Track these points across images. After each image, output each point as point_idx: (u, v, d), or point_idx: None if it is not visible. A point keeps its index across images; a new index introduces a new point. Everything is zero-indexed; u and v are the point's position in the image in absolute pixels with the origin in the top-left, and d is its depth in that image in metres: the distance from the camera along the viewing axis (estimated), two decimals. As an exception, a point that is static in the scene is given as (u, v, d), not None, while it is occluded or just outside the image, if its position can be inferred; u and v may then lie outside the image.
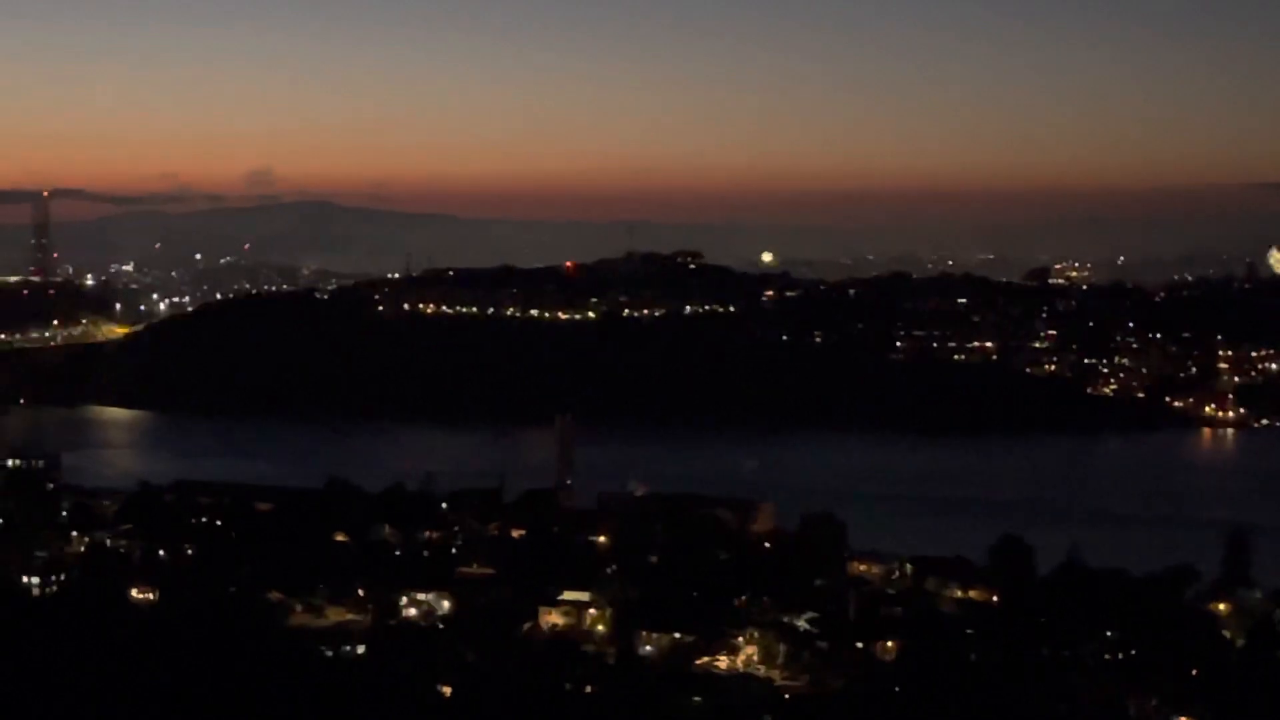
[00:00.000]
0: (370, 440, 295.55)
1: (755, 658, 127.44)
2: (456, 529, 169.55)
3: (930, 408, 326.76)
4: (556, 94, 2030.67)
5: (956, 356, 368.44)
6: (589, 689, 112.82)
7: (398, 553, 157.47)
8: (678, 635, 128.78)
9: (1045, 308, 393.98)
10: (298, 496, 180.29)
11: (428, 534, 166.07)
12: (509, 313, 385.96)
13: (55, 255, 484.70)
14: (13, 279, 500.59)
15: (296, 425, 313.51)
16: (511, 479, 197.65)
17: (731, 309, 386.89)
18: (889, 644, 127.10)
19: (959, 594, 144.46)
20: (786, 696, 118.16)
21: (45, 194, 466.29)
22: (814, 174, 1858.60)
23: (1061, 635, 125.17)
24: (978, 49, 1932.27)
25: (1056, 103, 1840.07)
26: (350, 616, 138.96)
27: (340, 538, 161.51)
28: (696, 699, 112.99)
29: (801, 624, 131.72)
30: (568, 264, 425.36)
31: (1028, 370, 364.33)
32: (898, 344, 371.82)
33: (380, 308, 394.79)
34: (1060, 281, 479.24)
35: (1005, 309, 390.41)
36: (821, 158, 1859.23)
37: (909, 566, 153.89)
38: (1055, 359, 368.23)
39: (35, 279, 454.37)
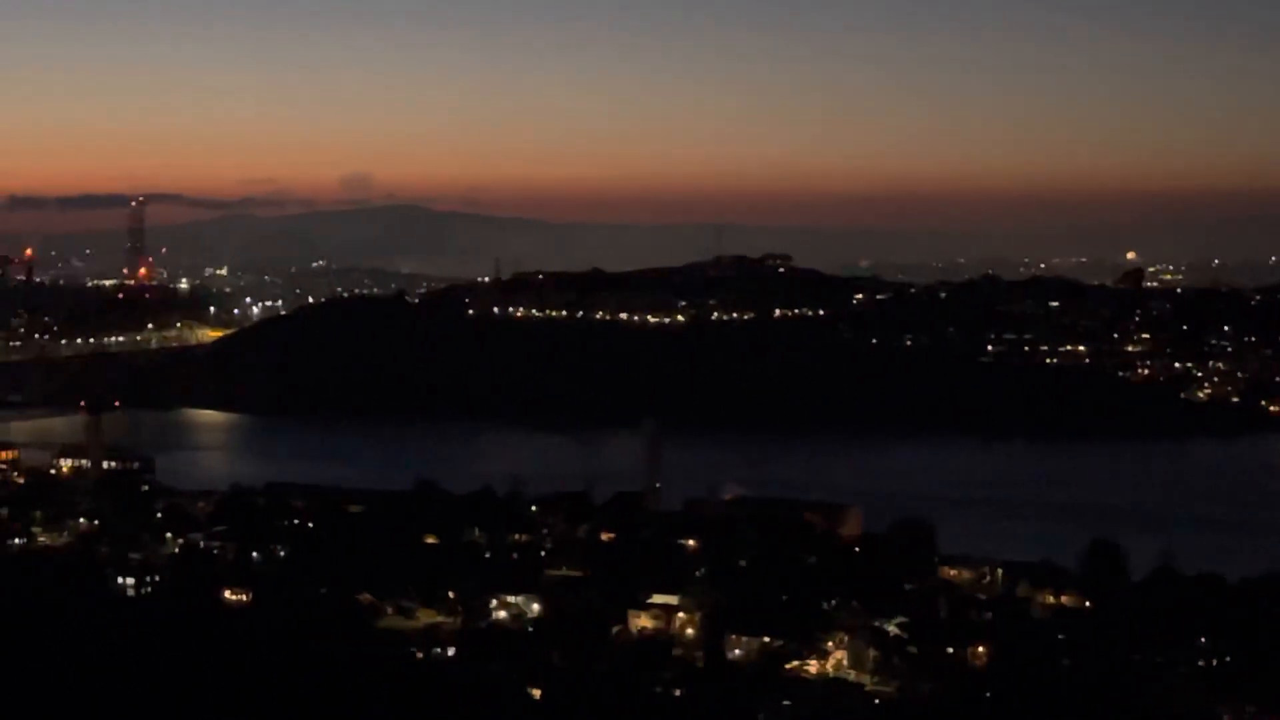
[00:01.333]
0: (459, 443, 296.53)
1: (845, 662, 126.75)
2: (545, 532, 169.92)
3: (1021, 412, 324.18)
4: (648, 99, 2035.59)
5: (1048, 360, 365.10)
6: (678, 692, 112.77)
7: (487, 555, 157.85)
8: (767, 639, 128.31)
9: (1138, 310, 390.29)
10: (388, 499, 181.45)
11: (517, 537, 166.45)
12: (598, 316, 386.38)
13: (150, 260, 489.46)
14: (108, 283, 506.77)
15: (387, 428, 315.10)
16: (600, 482, 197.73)
17: (821, 312, 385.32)
18: (980, 649, 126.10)
19: (1050, 599, 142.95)
20: (876, 701, 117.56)
21: (139, 200, 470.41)
22: (905, 177, 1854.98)
23: (1154, 641, 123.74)
24: (1071, 52, 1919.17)
25: (1153, 105, 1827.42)
26: (440, 619, 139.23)
27: (430, 540, 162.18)
28: (786, 703, 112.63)
29: (891, 629, 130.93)
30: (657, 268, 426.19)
31: (1120, 374, 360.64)
32: (989, 347, 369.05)
33: (470, 311, 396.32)
34: (1154, 284, 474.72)
35: (1098, 312, 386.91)
36: (914, 161, 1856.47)
37: (1000, 571, 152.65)
38: (1149, 362, 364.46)
39: (130, 283, 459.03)
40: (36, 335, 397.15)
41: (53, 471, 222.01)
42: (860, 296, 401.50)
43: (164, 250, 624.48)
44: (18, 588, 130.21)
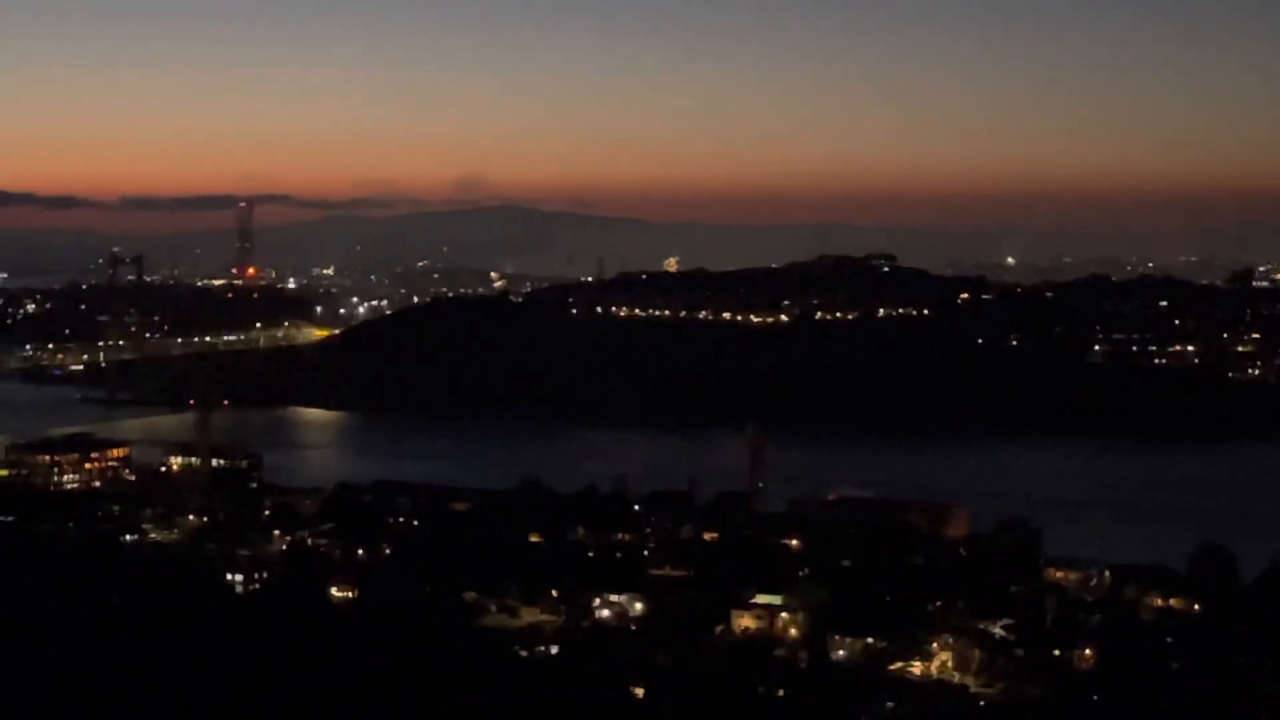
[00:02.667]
0: (564, 442, 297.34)
1: (950, 664, 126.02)
2: (649, 531, 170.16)
3: (1129, 412, 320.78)
4: (755, 100, 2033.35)
5: (1157, 360, 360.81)
6: (781, 693, 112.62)
7: (591, 554, 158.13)
8: (871, 640, 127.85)
9: (1249, 310, 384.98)
10: (493, 497, 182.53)
11: (620, 536, 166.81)
12: (701, 316, 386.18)
13: (258, 260, 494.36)
14: (217, 283, 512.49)
15: (491, 427, 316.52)
16: (703, 482, 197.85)
17: (925, 312, 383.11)
18: (1086, 652, 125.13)
19: (1158, 602, 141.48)
20: (981, 704, 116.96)
21: (248, 201, 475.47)
22: (1013, 176, 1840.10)
23: (1264, 645, 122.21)
24: (1180, 50, 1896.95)
25: (1263, 103, 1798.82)
26: (544, 617, 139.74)
27: (534, 539, 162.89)
28: (890, 704, 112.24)
29: (997, 631, 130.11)
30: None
31: (1230, 375, 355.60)
32: (1096, 347, 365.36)
33: (574, 311, 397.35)
34: (1264, 284, 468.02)
35: (1208, 312, 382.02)
36: (1021, 160, 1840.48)
37: (1107, 573, 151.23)
38: (1260, 363, 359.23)
39: (239, 283, 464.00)
40: (146, 334, 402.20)
41: (163, 469, 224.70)
42: (965, 296, 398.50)
43: (271, 251, 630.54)
44: (130, 584, 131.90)
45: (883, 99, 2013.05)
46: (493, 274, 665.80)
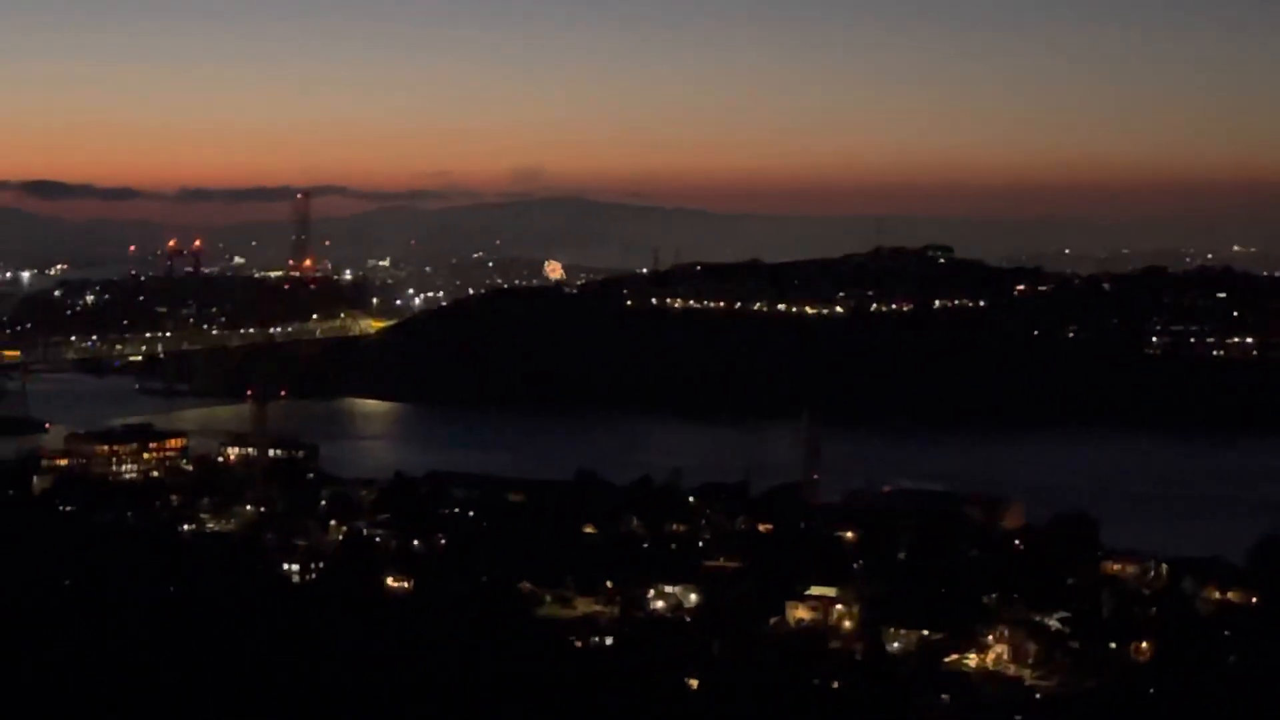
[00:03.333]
0: (618, 434, 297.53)
1: (1005, 656, 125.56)
2: (703, 522, 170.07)
3: (1187, 405, 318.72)
4: (810, 90, 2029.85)
5: (1215, 352, 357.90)
6: (836, 685, 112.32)
7: (645, 545, 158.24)
8: (926, 632, 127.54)
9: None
10: (548, 488, 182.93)
11: (675, 527, 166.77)
12: (756, 307, 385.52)
13: (315, 252, 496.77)
14: (274, 274, 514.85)
15: (546, 418, 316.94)
16: (758, 474, 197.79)
17: (982, 304, 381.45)
18: (1143, 645, 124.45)
19: (1216, 595, 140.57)
20: (1038, 696, 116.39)
21: (304, 192, 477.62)
22: (1070, 167, 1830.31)
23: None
24: (1239, 39, 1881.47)
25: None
26: (598, 608, 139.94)
27: (589, 530, 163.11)
28: (945, 697, 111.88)
29: (1053, 623, 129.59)
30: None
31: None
32: (1153, 339, 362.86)
33: (628, 302, 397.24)
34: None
35: (1267, 304, 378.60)
36: (1078, 151, 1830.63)
37: (1164, 566, 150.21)
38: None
39: (295, 274, 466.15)
40: (204, 325, 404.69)
41: (220, 459, 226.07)
42: (1022, 288, 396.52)
43: (327, 242, 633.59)
44: (188, 573, 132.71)
45: (942, 90, 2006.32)
46: (548, 265, 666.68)
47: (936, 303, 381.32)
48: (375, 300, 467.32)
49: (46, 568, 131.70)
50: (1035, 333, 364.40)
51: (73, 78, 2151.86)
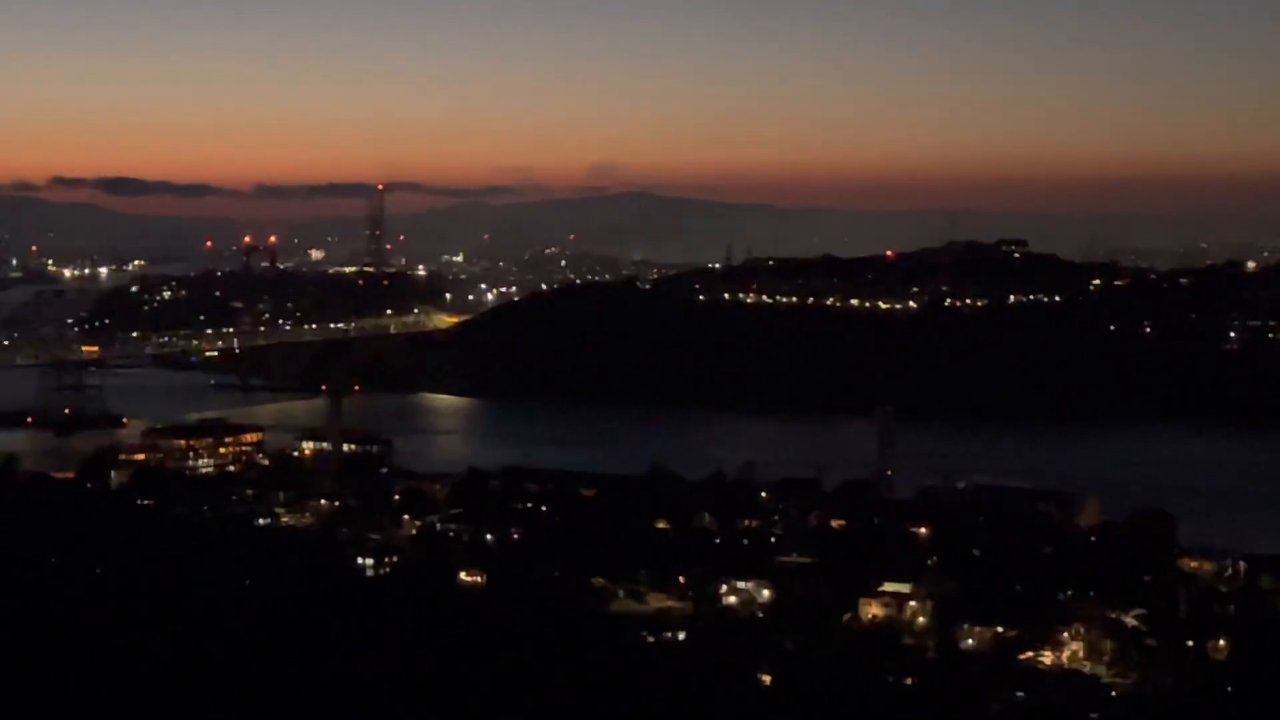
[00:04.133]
0: (690, 429, 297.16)
1: (1081, 654, 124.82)
2: (776, 518, 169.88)
3: (1266, 400, 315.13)
4: (884, 84, 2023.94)
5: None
6: (909, 681, 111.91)
7: (718, 541, 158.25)
8: (1000, 629, 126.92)
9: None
10: (620, 483, 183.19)
11: (747, 522, 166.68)
12: (829, 302, 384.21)
13: (389, 246, 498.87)
14: (349, 270, 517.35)
15: (618, 413, 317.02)
16: (831, 469, 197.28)
17: (1057, 299, 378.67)
18: (1220, 643, 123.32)
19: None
20: (1113, 694, 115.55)
21: (379, 188, 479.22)
22: (1146, 160, 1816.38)
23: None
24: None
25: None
26: (670, 603, 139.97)
27: (661, 525, 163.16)
28: (1020, 694, 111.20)
29: (1129, 621, 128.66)
30: (888, 253, 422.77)
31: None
32: (1231, 334, 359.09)
33: (701, 297, 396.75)
34: None
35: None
36: (1155, 144, 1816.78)
37: (1242, 564, 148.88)
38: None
39: (370, 269, 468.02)
40: (279, 321, 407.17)
41: (295, 454, 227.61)
42: (1098, 282, 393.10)
43: (402, 237, 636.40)
44: (263, 567, 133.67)
45: (1016, 83, 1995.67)
46: (627, 260, 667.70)
47: (1011, 298, 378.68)
48: (449, 295, 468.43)
49: (124, 561, 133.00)
50: (1112, 328, 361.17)
51: (149, 75, 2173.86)
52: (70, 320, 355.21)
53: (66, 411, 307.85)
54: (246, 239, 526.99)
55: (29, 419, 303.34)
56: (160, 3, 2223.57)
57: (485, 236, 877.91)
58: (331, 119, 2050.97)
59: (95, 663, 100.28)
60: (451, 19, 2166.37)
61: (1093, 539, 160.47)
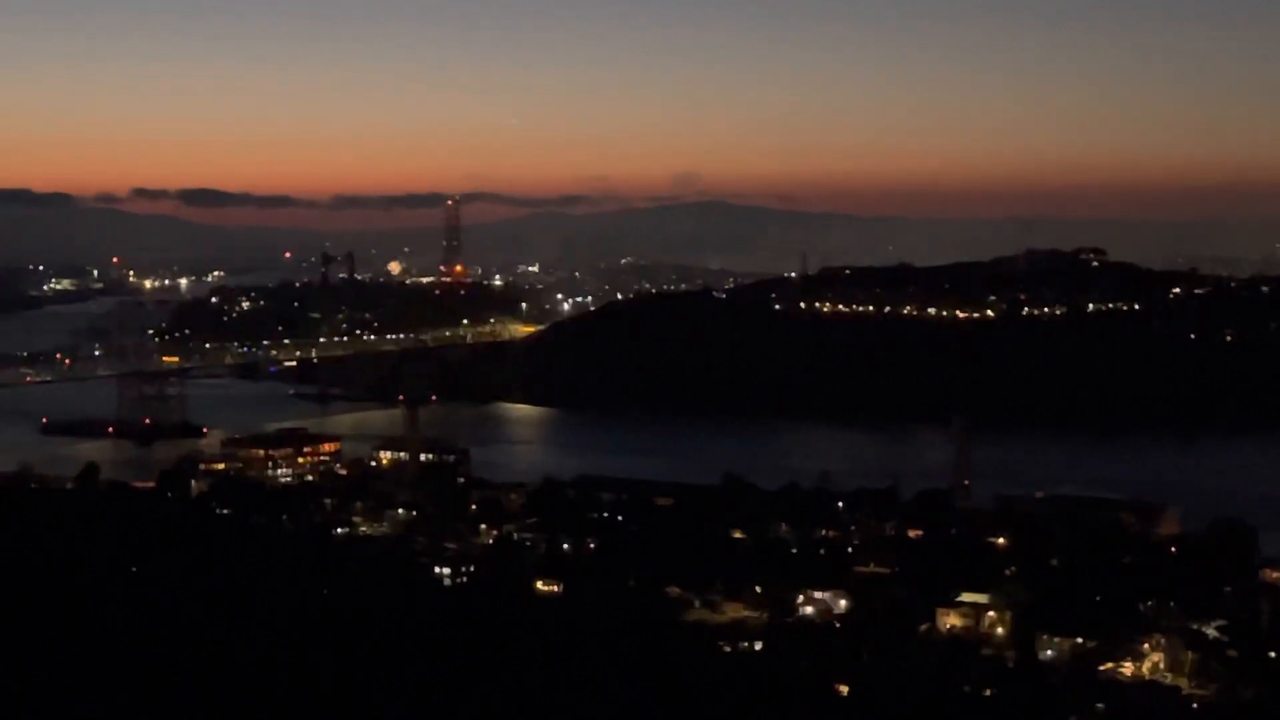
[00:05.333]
0: (766, 438, 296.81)
1: (1161, 665, 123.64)
2: (853, 528, 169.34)
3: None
4: (961, 93, 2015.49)
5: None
6: (988, 692, 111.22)
7: (794, 550, 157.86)
8: (1079, 640, 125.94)
9: None
10: (696, 493, 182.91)
11: (824, 532, 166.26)
12: (906, 311, 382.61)
13: (466, 257, 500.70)
14: (425, 280, 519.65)
15: (694, 423, 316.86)
16: (907, 479, 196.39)
17: (1136, 307, 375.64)
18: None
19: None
20: (1194, 705, 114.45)
21: (455, 199, 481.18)
22: (1225, 168, 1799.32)
23: None
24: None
25: None
26: (747, 613, 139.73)
27: (737, 534, 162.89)
28: (1100, 705, 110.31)
29: (1210, 632, 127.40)
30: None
31: None
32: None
33: (776, 307, 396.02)
34: None
35: None
36: (1236, 152, 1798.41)
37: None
38: None
39: (446, 280, 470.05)
40: (357, 331, 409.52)
41: (372, 463, 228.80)
42: (1177, 291, 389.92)
43: (478, 248, 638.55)
44: (341, 576, 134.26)
45: (1095, 92, 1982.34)
46: (703, 270, 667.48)
47: (1090, 306, 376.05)
48: (524, 305, 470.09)
49: (204, 570, 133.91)
50: (1191, 336, 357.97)
51: (232, 88, 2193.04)
52: (151, 331, 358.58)
53: (147, 421, 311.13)
54: (325, 249, 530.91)
55: (110, 429, 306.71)
56: (244, 18, 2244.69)
57: (561, 247, 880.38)
58: (412, 130, 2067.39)
59: (176, 670, 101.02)
60: (532, 30, 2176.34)
61: (1173, 549, 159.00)
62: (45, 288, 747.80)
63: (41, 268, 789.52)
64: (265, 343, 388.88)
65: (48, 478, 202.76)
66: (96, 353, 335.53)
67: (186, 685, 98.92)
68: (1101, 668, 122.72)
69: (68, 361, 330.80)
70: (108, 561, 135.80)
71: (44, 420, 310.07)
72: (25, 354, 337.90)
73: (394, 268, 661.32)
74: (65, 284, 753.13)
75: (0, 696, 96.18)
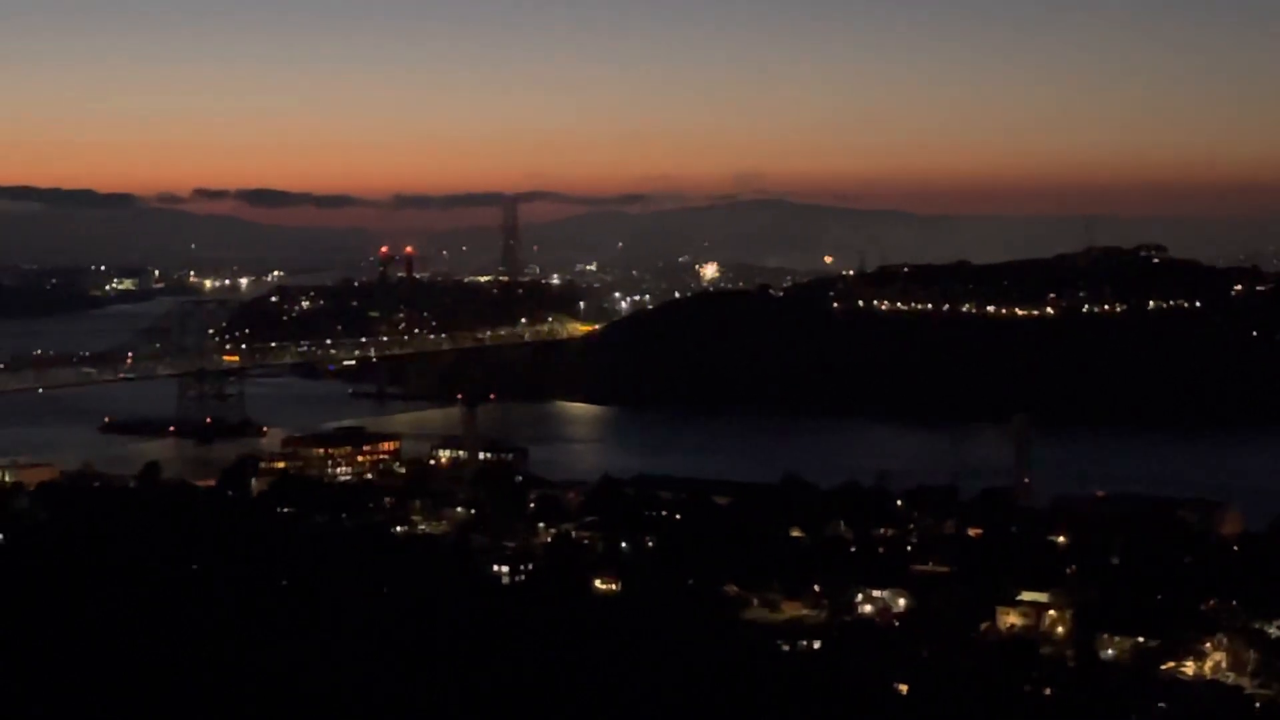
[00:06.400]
0: (824, 436, 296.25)
1: (1224, 665, 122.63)
2: (911, 526, 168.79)
3: None
4: (1020, 90, 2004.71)
5: None
6: (1048, 692, 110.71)
7: (852, 549, 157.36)
8: (1140, 639, 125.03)
9: None
10: (754, 491, 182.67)
11: (882, 531, 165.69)
12: (965, 309, 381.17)
13: (524, 256, 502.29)
14: (483, 279, 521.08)
15: (752, 421, 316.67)
16: (967, 477, 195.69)
17: (1198, 304, 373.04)
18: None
19: None
20: (1257, 705, 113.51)
21: (514, 198, 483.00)
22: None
23: None
24: None
25: None
26: (805, 611, 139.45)
27: (795, 533, 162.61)
28: (1161, 705, 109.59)
29: (1273, 631, 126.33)
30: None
31: None
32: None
33: (835, 305, 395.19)
34: None
35: None
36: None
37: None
38: None
39: (504, 279, 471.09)
40: (415, 330, 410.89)
41: (431, 462, 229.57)
42: (1239, 288, 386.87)
43: (536, 247, 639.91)
44: (401, 574, 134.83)
45: (1153, 88, 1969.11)
46: (761, 268, 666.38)
47: (1150, 303, 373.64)
48: (582, 304, 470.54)
49: (265, 568, 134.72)
50: (1254, 333, 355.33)
51: (292, 89, 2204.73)
52: (211, 330, 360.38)
53: (208, 420, 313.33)
54: (384, 249, 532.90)
55: (171, 428, 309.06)
56: (303, 19, 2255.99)
57: (620, 245, 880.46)
58: (471, 130, 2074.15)
59: (239, 668, 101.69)
60: (592, 28, 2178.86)
61: (1235, 548, 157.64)
62: (107, 288, 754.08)
63: (104, 268, 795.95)
64: (324, 342, 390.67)
65: (110, 476, 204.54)
66: (157, 352, 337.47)
67: (248, 683, 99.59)
68: (1163, 667, 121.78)
69: (129, 361, 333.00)
70: (169, 560, 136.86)
71: (105, 419, 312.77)
72: (87, 353, 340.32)
73: (445, 262, 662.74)
74: (127, 284, 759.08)
75: (69, 692, 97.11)
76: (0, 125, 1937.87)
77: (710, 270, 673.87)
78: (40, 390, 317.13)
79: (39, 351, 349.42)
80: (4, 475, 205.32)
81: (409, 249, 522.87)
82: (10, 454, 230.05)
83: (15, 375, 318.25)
